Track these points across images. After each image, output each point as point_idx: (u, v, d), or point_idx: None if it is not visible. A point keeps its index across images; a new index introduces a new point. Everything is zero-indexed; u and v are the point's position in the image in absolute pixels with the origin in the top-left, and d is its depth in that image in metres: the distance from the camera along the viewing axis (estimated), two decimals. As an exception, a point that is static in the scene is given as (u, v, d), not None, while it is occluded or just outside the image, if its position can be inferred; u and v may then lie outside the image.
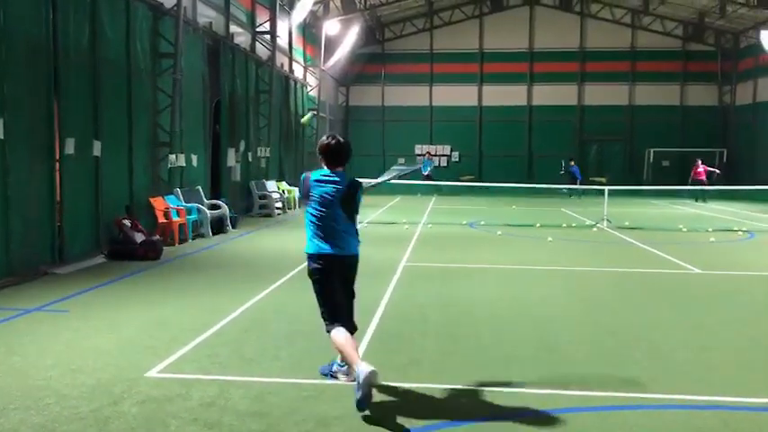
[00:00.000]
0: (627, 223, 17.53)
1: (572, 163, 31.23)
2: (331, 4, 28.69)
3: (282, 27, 23.53)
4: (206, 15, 17.23)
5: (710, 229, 16.54)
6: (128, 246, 11.28)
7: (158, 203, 13.29)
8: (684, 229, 16.61)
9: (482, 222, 17.82)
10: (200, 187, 15.56)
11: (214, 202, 15.59)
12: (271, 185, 20.98)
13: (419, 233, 15.31)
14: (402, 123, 36.11)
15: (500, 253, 12.42)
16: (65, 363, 5.58)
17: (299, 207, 22.60)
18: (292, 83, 25.44)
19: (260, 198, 19.89)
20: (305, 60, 28.32)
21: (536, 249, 13.04)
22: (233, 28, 19.15)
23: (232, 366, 5.54)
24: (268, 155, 21.62)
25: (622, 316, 7.66)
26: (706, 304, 8.43)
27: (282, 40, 23.85)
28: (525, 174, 34.20)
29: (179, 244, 12.97)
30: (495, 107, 35.49)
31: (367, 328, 6.76)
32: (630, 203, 25.02)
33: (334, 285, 5.04)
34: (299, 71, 27.14)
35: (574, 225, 17.52)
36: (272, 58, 21.47)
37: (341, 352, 4.84)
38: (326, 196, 5.03)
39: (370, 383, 4.40)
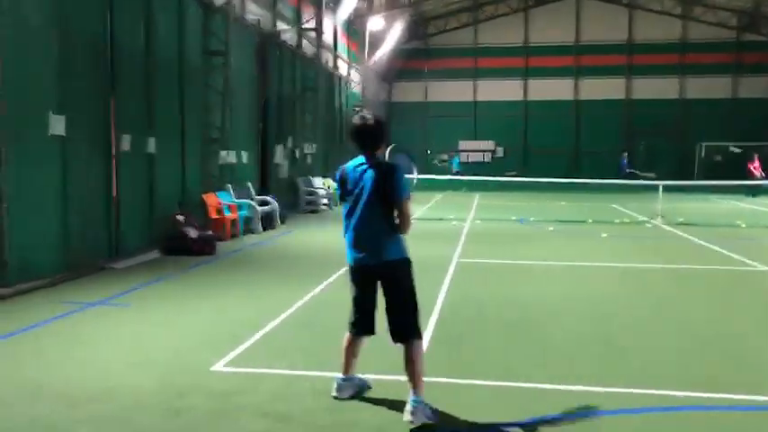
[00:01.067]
0: (681, 219, 17.07)
1: (625, 154, 30.91)
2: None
3: (327, 23, 23.58)
4: (254, 12, 17.33)
5: (770, 225, 16.01)
6: (182, 241, 11.39)
7: (210, 199, 13.41)
8: (743, 226, 16.09)
9: (531, 219, 17.54)
10: (249, 183, 15.67)
11: (263, 198, 15.68)
12: (317, 182, 21.07)
13: (468, 229, 15.14)
14: (445, 119, 35.86)
15: (554, 249, 12.17)
16: (132, 356, 5.62)
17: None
18: (337, 79, 25.49)
19: (307, 195, 19.97)
20: (349, 57, 28.34)
21: (591, 246, 12.75)
22: (279, 25, 19.23)
23: (297, 360, 5.50)
24: (314, 151, 21.68)
25: (691, 314, 7.40)
26: (776, 302, 8.10)
27: (327, 37, 23.89)
28: (572, 169, 33.65)
29: (231, 239, 13.06)
30: (541, 102, 35.03)
31: (426, 327, 6.65)
32: (682, 199, 24.33)
33: (363, 293, 4.57)
34: (342, 68, 27.18)
35: (627, 221, 17.12)
36: (317, 54, 21.54)
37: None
38: (357, 189, 4.43)
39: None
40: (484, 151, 35.79)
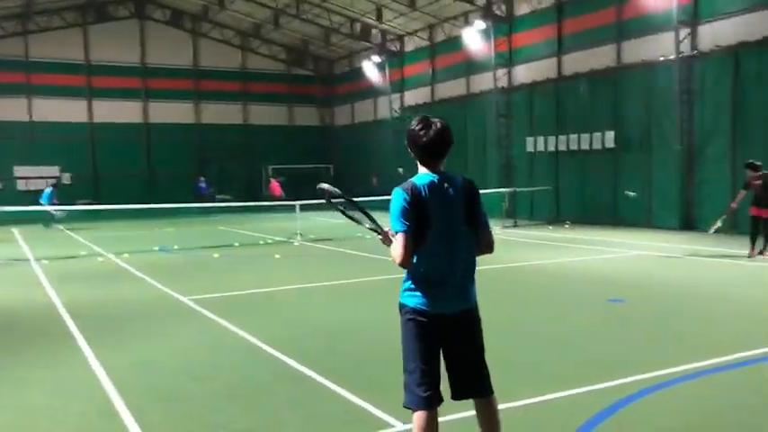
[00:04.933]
0: (312, 236, 18.33)
1: (201, 178, 31.35)
2: None
3: None
4: None
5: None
6: None
7: None
8: (368, 237, 18.08)
9: (175, 247, 16.53)
10: None
11: None
12: None
13: (133, 264, 13.38)
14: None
15: (262, 275, 11.85)
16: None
17: None
18: None
19: None
20: None
21: (290, 267, 12.83)
22: None
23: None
24: None
25: (506, 313, 8.17)
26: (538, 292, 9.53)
27: None
28: (146, 193, 32.40)
29: None
30: (110, 124, 32.85)
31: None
32: (260, 218, 26.35)
33: (436, 350, 3.59)
34: None
35: (270, 242, 17.55)
36: None
37: None
38: (442, 213, 3.50)
39: None
40: (47, 178, 31.66)
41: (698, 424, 4.54)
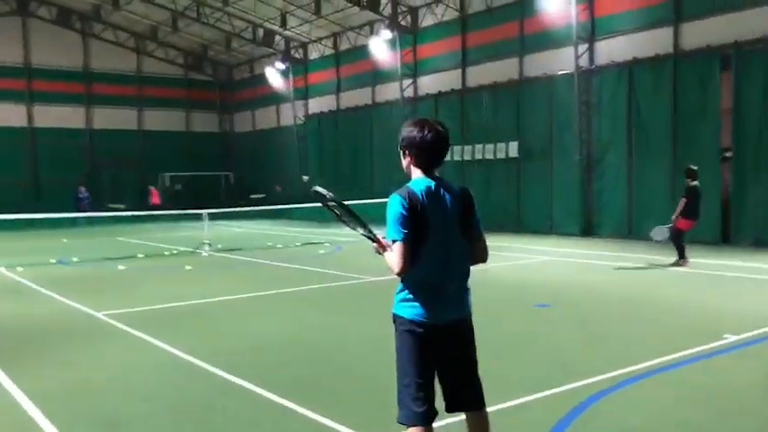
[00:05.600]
0: (220, 246, 17.75)
1: (82, 189, 29.89)
2: None
3: None
4: None
5: (299, 244, 18.14)
6: None
7: None
8: (279, 246, 17.78)
9: (74, 258, 15.50)
10: None
11: None
12: None
13: (31, 278, 12.42)
14: None
15: (181, 286, 11.27)
16: None
17: None
18: None
19: None
20: None
21: (200, 279, 12.27)
22: None
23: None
24: None
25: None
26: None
27: None
28: (31, 202, 30.33)
29: None
30: (-10, 128, 30.60)
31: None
32: (159, 228, 25.45)
33: (432, 362, 3.46)
34: None
35: (176, 252, 16.82)
36: None
37: None
38: (438, 220, 3.38)
39: None
40: None
41: (656, 420, 4.68)
